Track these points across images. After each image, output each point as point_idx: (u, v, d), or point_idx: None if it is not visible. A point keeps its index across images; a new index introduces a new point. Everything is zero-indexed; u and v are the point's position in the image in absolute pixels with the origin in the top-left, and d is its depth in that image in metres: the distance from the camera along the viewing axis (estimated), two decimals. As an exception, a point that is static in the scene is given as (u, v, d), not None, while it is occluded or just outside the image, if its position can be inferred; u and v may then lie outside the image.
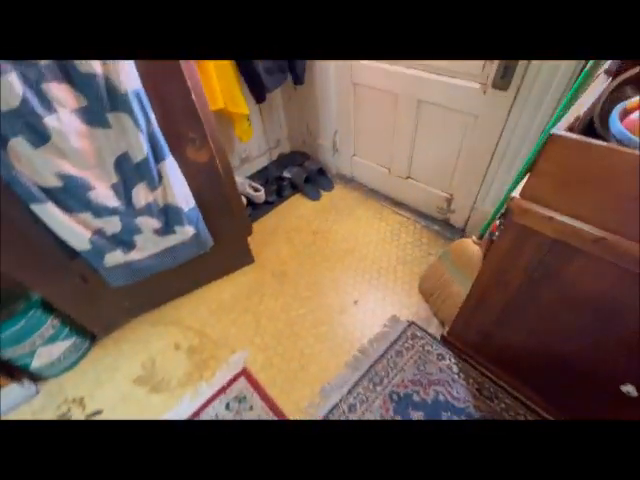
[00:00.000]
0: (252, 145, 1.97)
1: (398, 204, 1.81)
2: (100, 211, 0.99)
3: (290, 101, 1.91)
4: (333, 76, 1.60)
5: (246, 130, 1.66)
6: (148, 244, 1.15)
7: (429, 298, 1.35)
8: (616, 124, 0.61)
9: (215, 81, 1.35)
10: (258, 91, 1.50)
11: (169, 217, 1.12)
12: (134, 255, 1.15)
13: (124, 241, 1.10)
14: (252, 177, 2.03)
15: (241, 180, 1.85)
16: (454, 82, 1.22)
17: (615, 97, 0.67)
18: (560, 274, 0.73)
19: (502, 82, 1.09)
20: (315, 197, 1.92)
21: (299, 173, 1.96)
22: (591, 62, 0.81)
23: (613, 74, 0.70)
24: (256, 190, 1.84)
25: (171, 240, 1.18)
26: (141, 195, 1.03)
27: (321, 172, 1.99)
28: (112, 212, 1.01)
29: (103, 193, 0.97)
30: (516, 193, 0.68)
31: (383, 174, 1.78)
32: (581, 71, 0.91)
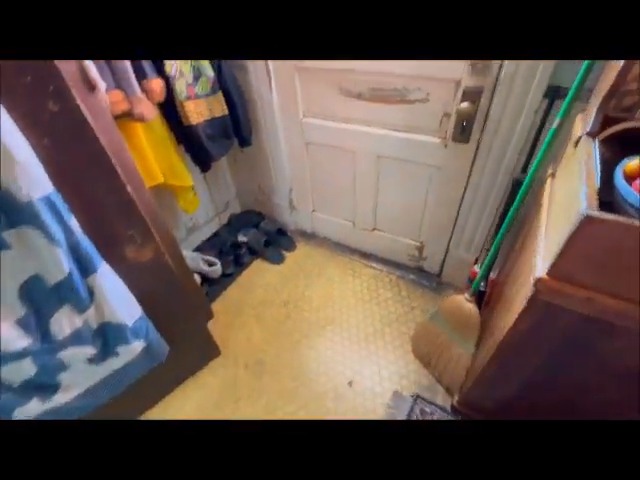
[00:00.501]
0: (199, 212, 1.76)
1: (367, 256, 1.73)
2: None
3: (237, 162, 1.77)
4: (283, 136, 1.51)
5: (191, 201, 1.46)
6: (79, 379, 0.86)
7: (428, 364, 1.23)
8: (630, 192, 0.56)
9: (151, 155, 1.16)
10: (203, 161, 1.34)
11: (108, 338, 0.85)
12: (59, 399, 0.84)
13: (42, 386, 0.80)
14: (202, 248, 1.80)
15: (192, 255, 1.61)
16: (413, 137, 1.20)
17: (605, 156, 0.65)
18: (598, 347, 0.65)
19: (462, 136, 1.09)
20: (278, 260, 1.74)
21: (256, 236, 1.79)
22: (558, 119, 0.82)
23: (595, 134, 0.69)
24: (211, 264, 1.61)
25: (113, 364, 0.90)
26: (64, 323, 0.76)
27: (280, 232, 1.84)
28: (20, 355, 0.73)
29: (4, 334, 0.69)
30: (542, 273, 0.60)
31: (347, 227, 1.70)
32: (540, 126, 0.93)
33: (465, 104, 1.01)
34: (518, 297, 0.76)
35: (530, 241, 0.86)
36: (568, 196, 0.64)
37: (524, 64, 0.87)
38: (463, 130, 1.07)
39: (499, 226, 1.12)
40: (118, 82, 0.97)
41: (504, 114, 0.98)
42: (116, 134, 0.79)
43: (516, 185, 1.01)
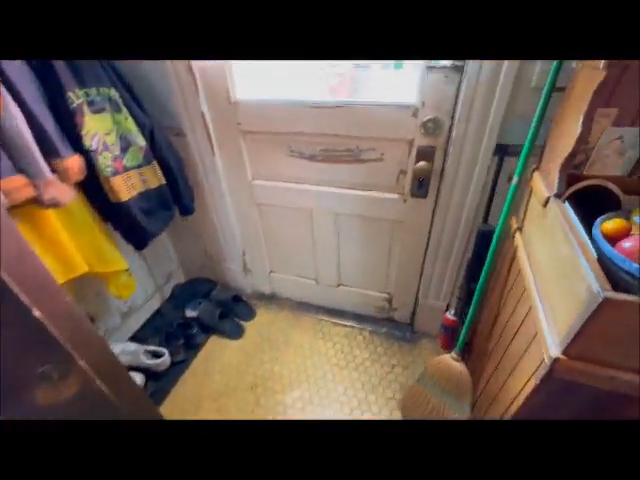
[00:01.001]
0: (136, 292, 1.49)
1: (335, 313, 1.62)
2: None
3: (178, 230, 1.58)
4: (230, 200, 1.39)
5: (126, 284, 1.22)
6: None
7: (424, 434, 1.12)
8: (626, 261, 0.56)
9: (69, 244, 0.94)
10: (138, 239, 1.14)
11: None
12: None
13: None
14: (143, 334, 1.51)
15: (130, 348, 1.33)
16: (371, 195, 1.17)
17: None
18: (617, 414, 0.61)
19: (420, 192, 1.09)
20: (237, 334, 1.54)
21: (208, 308, 1.57)
22: (516, 178, 0.84)
23: (562, 195, 0.70)
24: (157, 355, 1.34)
25: None
26: None
27: (236, 299, 1.64)
28: None
29: None
30: (557, 352, 0.55)
31: (310, 286, 1.58)
32: (494, 179, 0.96)
33: (421, 163, 1.01)
34: (522, 365, 0.71)
35: (514, 299, 0.84)
36: (558, 263, 0.63)
37: (472, 125, 0.90)
38: (420, 186, 1.07)
39: (469, 274, 1.11)
40: (18, 165, 0.77)
41: (459, 171, 1.00)
42: (13, 235, 0.59)
43: (481, 236, 1.02)
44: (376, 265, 1.38)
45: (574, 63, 0.75)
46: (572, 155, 0.65)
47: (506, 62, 0.80)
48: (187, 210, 1.32)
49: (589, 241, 0.57)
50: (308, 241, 1.41)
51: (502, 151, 0.92)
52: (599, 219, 0.66)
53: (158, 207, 1.17)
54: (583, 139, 0.63)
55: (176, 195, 1.24)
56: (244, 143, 1.21)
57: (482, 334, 1.10)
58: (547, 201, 0.71)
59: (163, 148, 1.13)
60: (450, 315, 1.32)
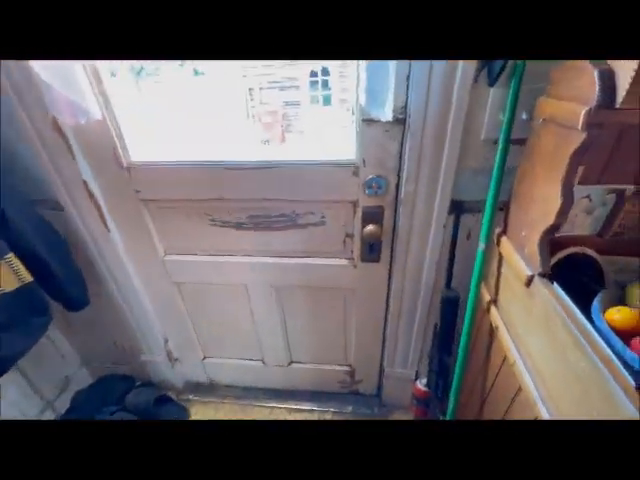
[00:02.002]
0: (9, 413, 1.07)
1: (289, 395, 1.35)
2: None
3: (75, 323, 1.21)
4: (139, 280, 1.09)
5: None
6: None
7: None
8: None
9: None
10: (-12, 369, 0.78)
11: None
12: None
13: None
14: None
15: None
16: (315, 262, 0.98)
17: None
18: None
19: (371, 256, 0.93)
20: (165, 449, 1.17)
21: (123, 418, 1.19)
22: (482, 244, 0.71)
23: (548, 274, 0.57)
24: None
25: None
26: None
27: (162, 400, 1.28)
28: None
29: None
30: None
31: (256, 368, 1.30)
32: (452, 239, 0.83)
33: (369, 227, 0.85)
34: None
35: (506, 394, 0.68)
36: (570, 372, 0.47)
37: (422, 183, 0.77)
38: (371, 250, 0.91)
39: (440, 345, 0.95)
40: None
41: (412, 231, 0.86)
42: None
43: (446, 302, 0.88)
44: (331, 337, 1.17)
45: (524, 115, 0.66)
46: (553, 229, 0.53)
47: (452, 113, 0.68)
48: (77, 303, 0.99)
49: (610, 351, 0.43)
50: (247, 319, 1.16)
51: (458, 208, 0.80)
52: (596, 302, 0.54)
53: (22, 315, 0.83)
54: (565, 211, 0.50)
55: (55, 290, 0.91)
56: (148, 214, 0.95)
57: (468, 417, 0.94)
58: (530, 280, 0.57)
59: (25, 232, 0.82)
60: (421, 385, 1.15)
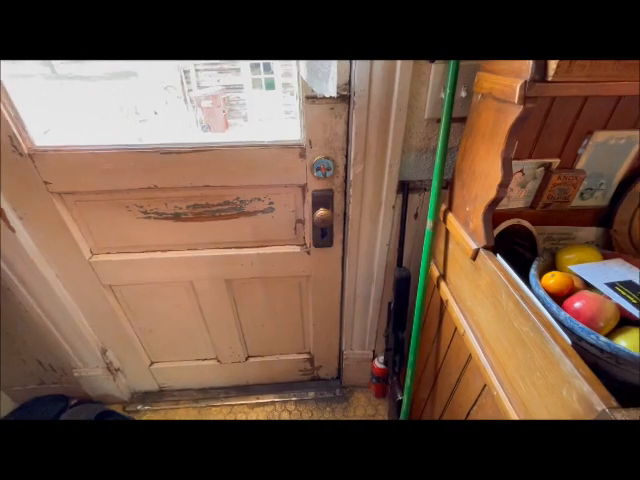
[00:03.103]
0: None
1: (249, 390, 1.30)
2: None
3: (-21, 343, 1.02)
4: (61, 287, 0.94)
5: None
6: None
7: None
8: (587, 331, 0.46)
9: None
10: None
11: None
12: None
13: None
14: None
15: None
16: (266, 251, 0.93)
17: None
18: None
19: (323, 241, 0.91)
20: (113, 469, 1.06)
21: (58, 445, 1.05)
22: (430, 223, 0.72)
23: (492, 246, 0.60)
24: None
25: None
26: None
27: (105, 415, 1.15)
28: None
29: None
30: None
31: (211, 367, 1.23)
32: (402, 219, 0.84)
33: (320, 211, 0.83)
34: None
35: (456, 362, 0.71)
36: (515, 339, 0.50)
37: (370, 163, 0.76)
38: (324, 234, 0.89)
39: (394, 322, 0.97)
40: None
41: (363, 213, 0.85)
42: None
43: (399, 281, 0.89)
44: (289, 326, 1.15)
45: (463, 92, 0.67)
46: (495, 202, 0.55)
47: (396, 87, 0.67)
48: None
49: (549, 314, 0.46)
50: (196, 317, 1.08)
51: (405, 189, 0.81)
52: (533, 270, 0.57)
53: None
54: (506, 184, 0.52)
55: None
56: (65, 209, 0.82)
57: (423, 389, 0.98)
58: (476, 254, 0.59)
59: None
60: (379, 363, 1.18)
